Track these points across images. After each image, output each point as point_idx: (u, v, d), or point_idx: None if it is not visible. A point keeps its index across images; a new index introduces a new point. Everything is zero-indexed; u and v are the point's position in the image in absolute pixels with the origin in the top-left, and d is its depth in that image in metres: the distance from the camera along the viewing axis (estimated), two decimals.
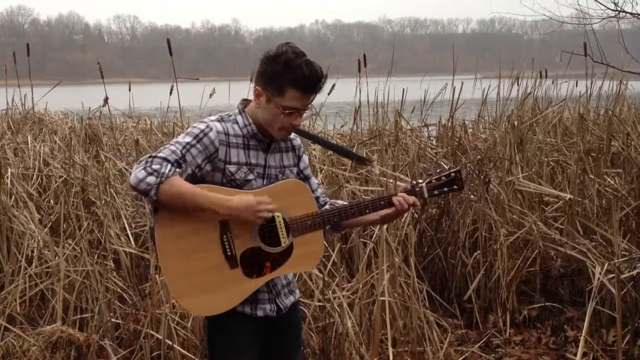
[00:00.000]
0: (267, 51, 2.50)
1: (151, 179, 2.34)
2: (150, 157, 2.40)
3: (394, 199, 2.64)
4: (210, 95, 7.24)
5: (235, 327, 2.58)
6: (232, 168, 2.50)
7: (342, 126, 7.83)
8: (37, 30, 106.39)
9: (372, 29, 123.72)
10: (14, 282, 4.54)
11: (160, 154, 2.40)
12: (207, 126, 2.49)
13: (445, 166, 2.77)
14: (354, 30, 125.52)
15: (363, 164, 3.14)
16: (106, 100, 6.77)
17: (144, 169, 2.36)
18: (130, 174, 2.41)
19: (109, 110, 6.94)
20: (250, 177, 2.53)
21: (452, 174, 2.72)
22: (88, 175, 5.63)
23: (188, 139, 2.45)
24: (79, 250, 4.61)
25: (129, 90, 8.21)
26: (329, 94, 6.94)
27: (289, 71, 2.42)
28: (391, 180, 2.69)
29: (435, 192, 2.72)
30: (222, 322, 2.58)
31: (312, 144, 6.07)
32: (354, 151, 6.06)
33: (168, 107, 7.28)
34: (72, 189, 5.42)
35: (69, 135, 6.99)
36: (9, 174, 5.24)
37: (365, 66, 6.77)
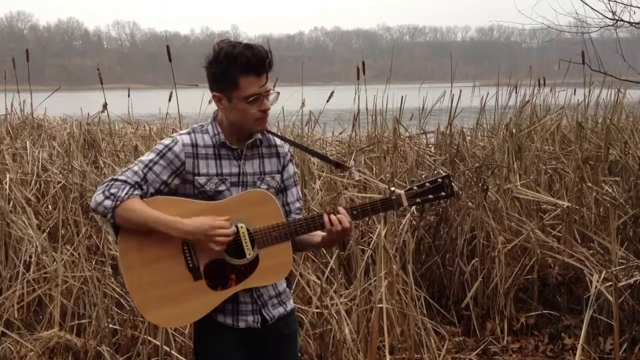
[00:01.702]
0: (206, 57, 2.49)
1: (107, 203, 2.38)
2: (112, 179, 2.43)
3: (332, 217, 2.49)
4: (210, 101, 7.24)
5: (218, 338, 2.55)
6: (201, 180, 2.47)
7: (340, 133, 7.85)
8: (36, 36, 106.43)
9: (371, 36, 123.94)
10: (11, 288, 4.56)
11: (121, 177, 2.43)
12: (172, 140, 2.48)
13: (443, 173, 2.66)
14: (353, 37, 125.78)
15: (341, 169, 3.06)
16: (105, 106, 6.77)
17: (103, 192, 2.40)
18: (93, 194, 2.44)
19: (108, 116, 6.94)
20: (222, 187, 2.49)
21: (439, 180, 2.58)
22: (86, 180, 5.63)
23: (151, 156, 2.46)
24: (77, 256, 4.62)
25: (128, 96, 8.23)
26: (327, 100, 6.98)
27: (233, 63, 2.40)
28: (391, 188, 2.60)
29: (418, 199, 2.57)
30: (207, 332, 2.56)
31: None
32: (352, 156, 6.11)
33: (167, 113, 7.29)
34: (71, 195, 5.43)
35: (68, 140, 6.99)
36: (7, 179, 5.25)
37: (364, 73, 6.78)
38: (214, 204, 2.47)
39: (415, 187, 2.58)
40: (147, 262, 2.43)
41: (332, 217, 2.49)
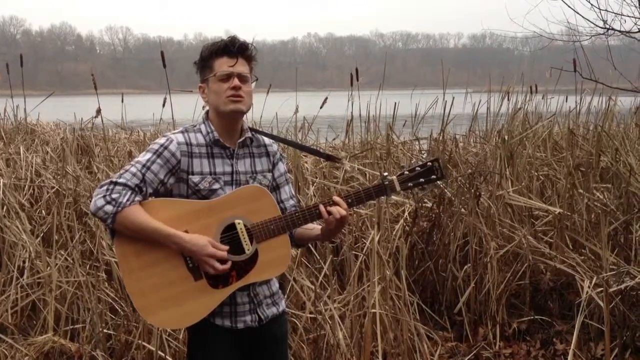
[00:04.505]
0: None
1: (108, 208, 2.39)
2: (111, 182, 2.43)
3: (328, 208, 2.53)
4: (203, 107, 7.26)
5: (214, 342, 2.57)
6: (196, 179, 2.51)
7: (334, 139, 7.88)
8: (29, 41, 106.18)
9: (364, 42, 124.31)
10: (5, 292, 4.54)
11: (121, 179, 2.43)
12: (168, 139, 2.52)
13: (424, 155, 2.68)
14: (346, 43, 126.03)
15: (334, 162, 3.12)
16: (99, 111, 6.78)
17: (104, 197, 2.40)
18: (92, 198, 2.44)
19: (102, 121, 6.95)
20: (216, 186, 2.52)
21: (429, 164, 2.61)
22: (80, 186, 5.64)
23: (148, 155, 2.48)
24: (71, 261, 4.62)
25: (122, 101, 8.22)
26: (321, 107, 7.01)
27: (210, 50, 2.57)
28: (384, 174, 2.62)
29: (410, 184, 2.61)
30: (202, 337, 2.58)
31: (304, 156, 6.11)
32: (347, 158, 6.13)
33: (161, 118, 7.30)
34: (64, 200, 5.42)
35: (61, 146, 6.99)
36: (0, 184, 5.25)
37: (357, 80, 6.81)
38: (209, 202, 2.50)
39: (406, 172, 2.62)
40: (146, 266, 2.44)
41: (329, 207, 2.53)
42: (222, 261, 2.44)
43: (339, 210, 2.53)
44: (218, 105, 2.55)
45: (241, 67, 2.55)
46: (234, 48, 2.54)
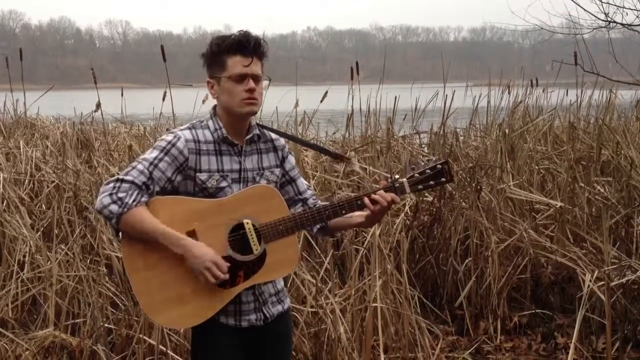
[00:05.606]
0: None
1: (114, 208, 2.34)
2: (117, 180, 2.38)
3: (372, 196, 2.52)
4: (203, 101, 7.25)
5: (218, 342, 2.55)
6: (203, 176, 2.46)
7: (334, 133, 7.86)
8: (28, 35, 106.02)
9: (363, 36, 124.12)
10: (5, 287, 4.54)
11: (128, 177, 2.38)
12: (175, 136, 2.46)
13: (433, 157, 2.65)
14: (346, 37, 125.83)
15: (340, 161, 3.09)
16: (98, 105, 6.76)
17: (110, 195, 2.35)
18: (98, 195, 2.40)
19: (102, 116, 6.93)
20: (224, 184, 2.48)
21: (439, 166, 2.59)
22: (80, 180, 5.63)
23: (155, 153, 2.43)
24: (72, 256, 4.61)
25: (122, 95, 8.20)
26: (321, 101, 6.99)
27: (222, 45, 2.47)
28: (395, 176, 2.59)
29: (420, 186, 2.59)
30: (206, 337, 2.55)
31: (304, 150, 6.10)
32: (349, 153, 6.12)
33: (161, 112, 7.29)
34: (65, 194, 5.42)
35: (61, 140, 6.99)
36: (0, 178, 5.24)
37: (357, 74, 6.78)
38: (219, 201, 2.46)
39: (416, 175, 2.60)
40: (152, 266, 2.41)
41: (374, 196, 2.51)
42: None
43: (385, 198, 2.51)
44: (232, 106, 2.48)
45: (255, 66, 2.48)
46: (248, 45, 2.46)
